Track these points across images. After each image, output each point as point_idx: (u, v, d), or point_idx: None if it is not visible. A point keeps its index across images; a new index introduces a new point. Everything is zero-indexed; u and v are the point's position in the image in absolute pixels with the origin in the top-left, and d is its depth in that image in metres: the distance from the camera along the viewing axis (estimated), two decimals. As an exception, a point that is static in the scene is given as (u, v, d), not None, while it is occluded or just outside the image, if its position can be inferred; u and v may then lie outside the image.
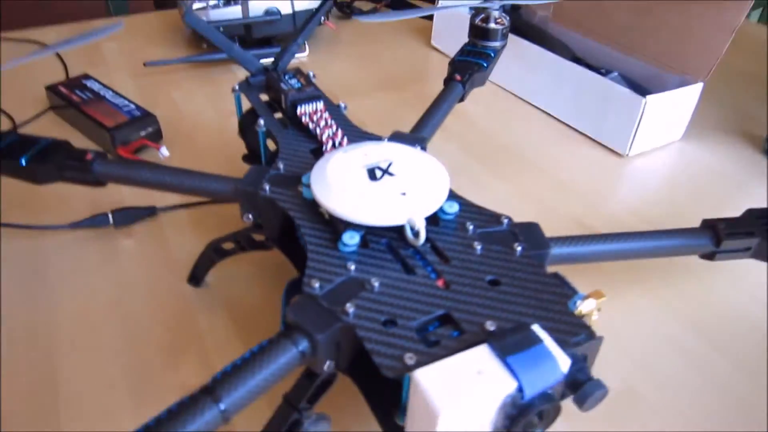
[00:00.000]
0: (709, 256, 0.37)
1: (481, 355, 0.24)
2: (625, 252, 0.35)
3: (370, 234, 0.31)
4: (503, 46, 0.55)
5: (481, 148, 0.62)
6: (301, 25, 0.52)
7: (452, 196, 0.35)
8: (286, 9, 0.75)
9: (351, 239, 0.30)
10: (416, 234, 0.30)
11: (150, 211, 0.50)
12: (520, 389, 0.23)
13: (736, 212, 0.38)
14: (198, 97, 0.70)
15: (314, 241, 0.31)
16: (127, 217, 0.49)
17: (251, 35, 0.76)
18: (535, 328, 0.25)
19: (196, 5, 0.74)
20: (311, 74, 0.47)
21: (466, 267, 0.30)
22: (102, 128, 0.57)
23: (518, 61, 0.69)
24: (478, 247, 0.31)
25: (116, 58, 0.78)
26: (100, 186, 0.39)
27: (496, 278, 0.29)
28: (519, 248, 0.31)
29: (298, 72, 0.46)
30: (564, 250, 0.33)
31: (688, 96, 0.60)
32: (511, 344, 0.24)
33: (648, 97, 0.56)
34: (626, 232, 0.35)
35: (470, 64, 0.52)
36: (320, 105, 0.42)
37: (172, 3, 0.88)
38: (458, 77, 0.50)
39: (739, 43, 0.61)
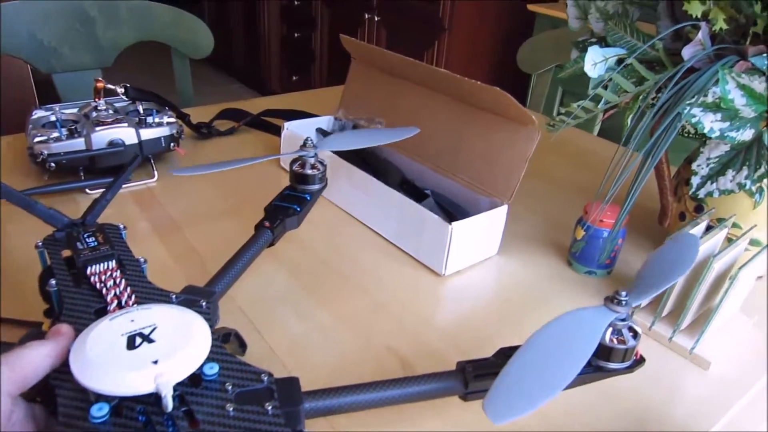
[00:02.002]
0: (463, 398, 0.41)
1: None
2: (384, 399, 0.38)
3: (127, 401, 0.33)
4: (322, 188, 0.59)
5: (310, 274, 0.65)
6: (110, 183, 0.54)
7: (219, 354, 0.37)
8: (131, 139, 0.78)
9: (99, 411, 0.31)
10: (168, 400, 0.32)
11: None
12: None
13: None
14: (33, 231, 0.69)
15: (66, 412, 0.32)
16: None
17: (96, 166, 0.77)
18: None
19: (38, 138, 0.75)
20: (121, 227, 0.48)
21: (212, 431, 0.32)
22: None
23: (353, 187, 0.75)
24: (230, 408, 0.33)
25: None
26: None
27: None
28: (270, 407, 0.33)
29: (99, 230, 0.47)
30: (320, 403, 0.36)
31: (496, 217, 0.67)
32: None
33: (454, 224, 0.62)
34: (382, 381, 0.38)
35: (283, 209, 0.56)
36: (112, 264, 0.44)
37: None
38: (267, 224, 0.54)
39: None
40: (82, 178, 0.78)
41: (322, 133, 0.89)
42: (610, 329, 0.40)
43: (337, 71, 2.92)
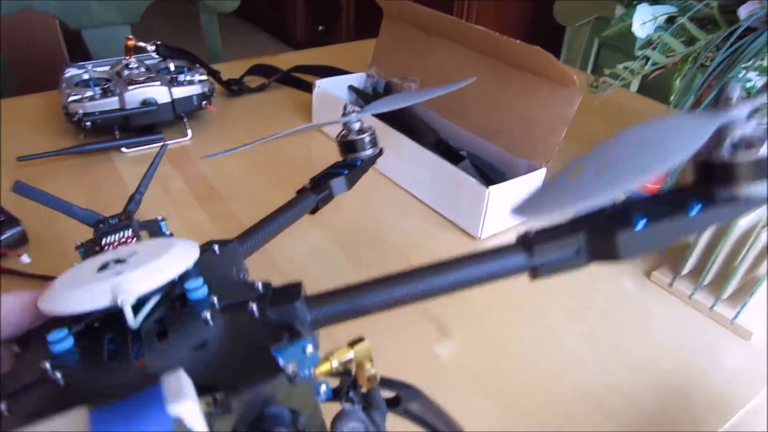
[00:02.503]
0: (534, 273, 0.31)
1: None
2: (437, 287, 0.31)
3: (94, 330, 0.29)
4: (375, 155, 0.55)
5: (346, 235, 0.65)
6: (145, 172, 0.51)
7: (213, 276, 0.32)
8: (163, 98, 0.77)
9: (57, 335, 0.27)
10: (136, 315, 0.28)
11: None
12: None
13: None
14: (72, 189, 0.70)
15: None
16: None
17: (129, 125, 0.77)
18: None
19: (72, 97, 0.75)
20: (160, 219, 0.44)
21: (178, 340, 0.27)
22: (-39, 237, 0.57)
23: (387, 148, 0.74)
24: (206, 315, 0.27)
25: (-7, 147, 0.78)
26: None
27: (204, 342, 0.27)
28: (254, 307, 0.28)
29: (126, 216, 0.44)
30: (323, 311, 0.30)
31: (534, 181, 0.66)
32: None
33: (491, 187, 0.61)
34: (426, 266, 0.32)
35: (330, 175, 0.52)
36: (128, 232, 0.41)
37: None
38: (309, 185, 0.52)
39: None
40: (117, 136, 0.78)
41: (354, 90, 0.87)
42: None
43: (363, 21, 2.86)
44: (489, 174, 0.71)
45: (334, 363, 0.28)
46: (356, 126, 0.53)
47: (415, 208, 0.70)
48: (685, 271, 0.57)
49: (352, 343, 0.29)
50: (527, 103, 0.68)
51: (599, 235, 0.30)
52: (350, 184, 0.52)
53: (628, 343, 0.53)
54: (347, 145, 0.53)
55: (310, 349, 0.27)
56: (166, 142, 0.52)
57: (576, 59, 1.26)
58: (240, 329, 0.27)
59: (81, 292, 0.27)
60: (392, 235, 0.66)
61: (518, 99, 0.69)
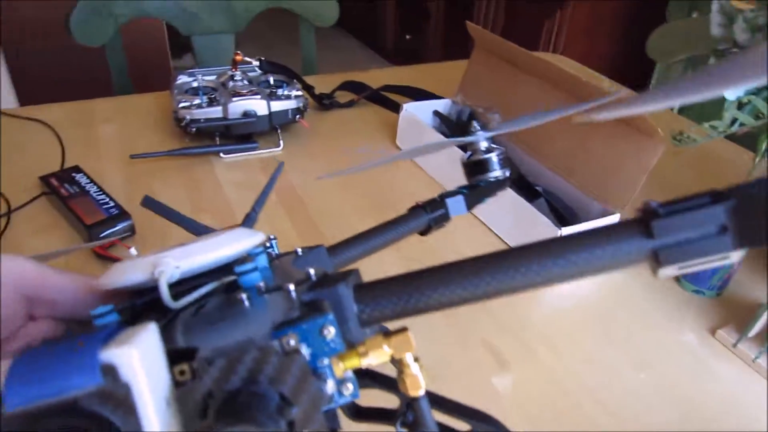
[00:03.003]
0: (655, 260, 0.22)
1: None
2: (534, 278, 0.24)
3: (140, 310, 0.27)
4: (504, 177, 0.48)
5: (415, 260, 0.69)
6: (259, 195, 0.50)
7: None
8: (262, 110, 0.84)
9: (101, 309, 0.26)
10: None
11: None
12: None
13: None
14: (175, 188, 0.78)
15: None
16: None
17: (230, 133, 0.84)
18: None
19: (182, 104, 0.82)
20: (272, 237, 0.38)
21: (212, 319, 0.25)
22: (81, 224, 0.65)
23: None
24: (243, 296, 0.25)
25: (109, 141, 0.86)
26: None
27: (236, 322, 0.25)
28: (291, 288, 0.25)
29: None
30: (374, 301, 0.25)
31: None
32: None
33: (563, 229, 0.63)
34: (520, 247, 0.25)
35: (450, 193, 0.46)
36: None
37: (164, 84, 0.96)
38: (420, 202, 0.45)
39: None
40: (217, 142, 0.85)
41: (438, 116, 0.91)
42: None
43: (451, 33, 2.89)
44: (563, 212, 0.72)
45: (366, 359, 0.23)
46: (484, 145, 0.48)
47: (487, 238, 0.73)
48: (751, 334, 0.57)
49: (388, 334, 0.23)
50: (609, 148, 0.69)
51: (754, 207, 0.21)
52: (471, 205, 0.46)
53: (685, 396, 0.54)
54: (474, 166, 0.48)
55: (330, 331, 0.23)
56: (282, 162, 0.51)
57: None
58: (275, 311, 0.25)
59: (127, 266, 0.27)
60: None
61: (600, 143, 0.70)
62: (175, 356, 0.22)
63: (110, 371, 0.19)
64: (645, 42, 1.24)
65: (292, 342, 0.22)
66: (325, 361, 0.23)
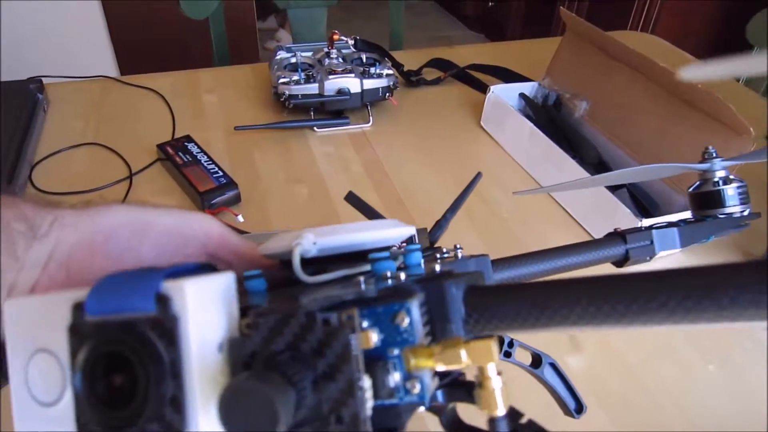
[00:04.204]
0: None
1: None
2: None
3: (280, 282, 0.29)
4: (742, 215, 0.41)
5: (496, 241, 0.72)
6: (453, 202, 0.48)
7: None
8: (355, 88, 0.88)
9: (251, 272, 0.28)
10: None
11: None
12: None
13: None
14: (273, 159, 0.84)
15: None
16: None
17: (324, 108, 0.89)
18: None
19: (282, 80, 0.88)
20: (458, 247, 0.35)
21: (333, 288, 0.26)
22: (195, 190, 0.72)
23: (550, 163, 0.79)
24: (360, 279, 0.24)
25: (214, 112, 0.94)
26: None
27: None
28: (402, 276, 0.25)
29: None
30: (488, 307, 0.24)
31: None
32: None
33: (644, 220, 0.65)
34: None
35: (662, 224, 0.41)
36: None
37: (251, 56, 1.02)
38: (619, 229, 0.40)
39: None
40: (312, 117, 0.90)
41: (524, 99, 0.93)
42: None
43: (533, 2, 2.82)
44: (644, 203, 0.74)
45: (440, 361, 0.21)
46: (720, 174, 0.41)
47: (567, 224, 0.76)
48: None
49: (469, 340, 0.21)
50: (696, 142, 0.70)
51: None
52: (688, 241, 0.40)
53: (751, 391, 0.56)
54: (704, 198, 0.42)
55: (404, 320, 0.22)
56: (480, 173, 0.50)
57: (760, 84, 1.21)
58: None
59: (281, 238, 0.29)
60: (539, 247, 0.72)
61: (688, 136, 0.71)
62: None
63: (164, 301, 0.21)
64: (744, 25, 1.19)
65: (350, 318, 0.21)
66: (395, 351, 0.22)
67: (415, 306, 0.22)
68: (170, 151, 0.79)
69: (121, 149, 0.83)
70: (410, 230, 0.31)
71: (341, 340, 0.21)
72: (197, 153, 0.79)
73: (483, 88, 1.00)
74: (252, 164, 0.83)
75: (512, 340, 0.40)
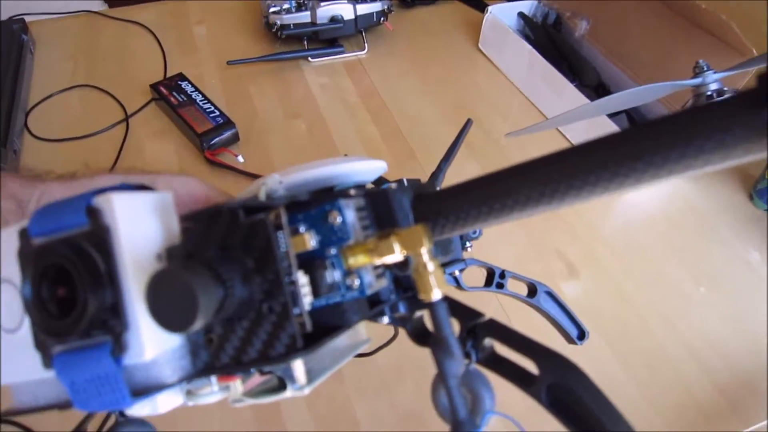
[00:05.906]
0: None
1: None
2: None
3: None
4: None
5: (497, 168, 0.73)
6: (447, 151, 0.48)
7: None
8: (348, 14, 0.86)
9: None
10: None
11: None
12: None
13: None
14: (269, 94, 0.83)
15: None
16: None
17: (318, 37, 0.87)
18: None
19: (272, 9, 0.85)
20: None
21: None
22: (193, 132, 0.72)
23: (548, 87, 0.78)
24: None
25: (205, 46, 0.91)
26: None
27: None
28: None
29: None
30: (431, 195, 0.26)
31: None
32: None
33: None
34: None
35: None
36: None
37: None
38: None
39: None
40: (306, 47, 0.88)
41: (523, 18, 0.90)
42: None
43: None
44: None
45: (376, 255, 0.21)
46: (713, 87, 0.39)
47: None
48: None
49: (401, 230, 0.21)
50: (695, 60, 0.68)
51: None
52: None
53: (742, 311, 0.59)
54: None
55: (336, 218, 0.23)
56: (470, 120, 0.48)
57: None
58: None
59: (254, 183, 0.28)
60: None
61: (691, 58, 0.69)
62: None
63: (94, 213, 0.21)
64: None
65: (277, 217, 0.22)
66: (332, 251, 0.23)
67: (347, 206, 0.23)
68: (164, 91, 0.78)
69: (114, 90, 0.82)
70: (381, 164, 0.31)
71: (263, 233, 0.21)
72: (192, 92, 0.78)
73: (481, 6, 0.97)
74: (248, 100, 0.82)
75: (504, 271, 0.41)
